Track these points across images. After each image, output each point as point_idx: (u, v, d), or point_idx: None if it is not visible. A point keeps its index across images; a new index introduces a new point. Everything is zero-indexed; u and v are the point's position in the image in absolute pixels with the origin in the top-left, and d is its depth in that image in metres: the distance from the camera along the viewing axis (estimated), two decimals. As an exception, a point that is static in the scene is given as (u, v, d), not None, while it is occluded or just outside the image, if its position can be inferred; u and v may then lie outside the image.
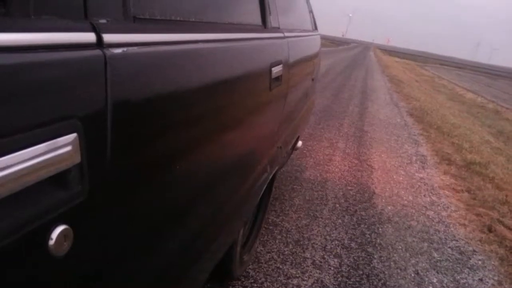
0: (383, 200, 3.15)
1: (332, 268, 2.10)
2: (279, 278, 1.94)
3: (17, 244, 0.41)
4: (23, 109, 0.39)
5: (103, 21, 0.52)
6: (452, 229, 2.90)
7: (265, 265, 2.03)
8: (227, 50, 0.98)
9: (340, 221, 2.67)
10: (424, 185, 3.70)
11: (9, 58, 0.39)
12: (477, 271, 2.46)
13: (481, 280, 2.36)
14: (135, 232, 0.66)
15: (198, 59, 0.80)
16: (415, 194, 3.41)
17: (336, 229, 2.55)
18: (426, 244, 2.59)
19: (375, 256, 2.31)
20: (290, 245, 2.25)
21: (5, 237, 0.39)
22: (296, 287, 1.88)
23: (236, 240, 1.52)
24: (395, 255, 2.38)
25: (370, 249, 2.38)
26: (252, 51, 1.18)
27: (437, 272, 2.33)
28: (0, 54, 0.38)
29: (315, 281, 1.96)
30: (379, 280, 2.08)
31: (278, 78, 1.39)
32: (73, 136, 0.45)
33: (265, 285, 1.87)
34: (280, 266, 2.03)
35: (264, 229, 2.36)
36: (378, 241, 2.51)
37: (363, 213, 2.86)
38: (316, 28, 2.88)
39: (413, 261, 2.36)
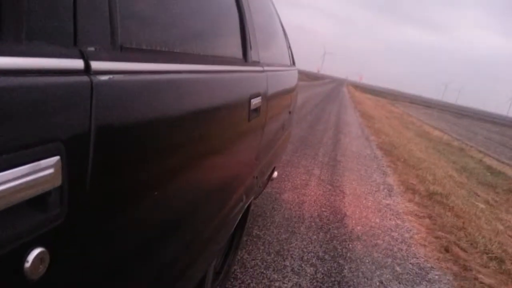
0: (353, 221, 3.40)
1: (308, 275, 2.34)
2: (263, 280, 2.17)
3: None
4: (7, 130, 0.39)
5: (91, 48, 0.52)
6: (413, 248, 3.15)
7: (251, 270, 2.25)
8: (208, 81, 0.98)
9: (315, 237, 2.90)
10: (390, 210, 3.96)
11: None
12: (434, 284, 2.73)
13: (436, 291, 2.69)
14: (110, 257, 0.64)
15: (180, 88, 0.80)
16: (381, 218, 3.67)
17: (312, 243, 2.78)
18: (390, 260, 2.81)
19: (346, 267, 2.54)
20: (272, 255, 2.48)
21: None
22: (278, 288, 2.18)
23: (207, 272, 1.44)
24: (363, 267, 2.60)
25: (341, 261, 2.61)
26: (232, 82, 1.18)
27: (399, 283, 2.52)
28: None
29: (294, 284, 2.20)
30: (349, 286, 2.32)
31: (256, 110, 1.39)
32: (55, 159, 0.44)
33: (251, 285, 2.09)
34: (264, 271, 2.26)
35: (249, 241, 2.58)
36: (348, 255, 2.73)
37: (335, 231, 3.09)
38: (294, 63, 2.94)
39: (378, 273, 2.57)
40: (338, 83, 66.10)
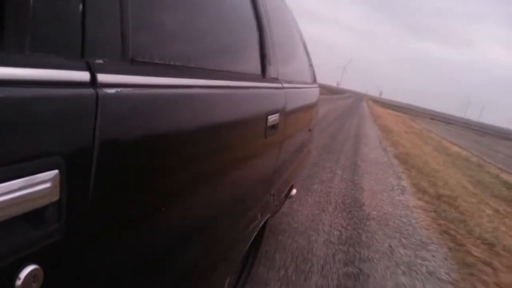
0: (370, 208, 4.00)
1: (336, 236, 3.06)
2: (303, 235, 2.92)
3: None
4: (3, 142, 0.36)
5: (99, 61, 0.49)
6: (418, 230, 3.69)
7: (294, 228, 3.02)
8: (224, 96, 0.92)
9: (340, 214, 3.59)
10: (402, 204, 4.48)
11: None
12: (431, 251, 3.21)
13: (433, 255, 3.39)
14: (110, 278, 0.59)
15: (194, 104, 0.75)
16: (394, 208, 4.22)
17: (337, 218, 3.48)
18: (398, 234, 3.39)
19: (363, 235, 3.19)
20: (309, 221, 3.24)
21: None
22: (314, 241, 2.87)
23: None
24: (376, 236, 3.23)
25: (360, 231, 3.27)
26: (249, 98, 1.12)
27: (404, 248, 3.13)
28: None
29: (325, 240, 2.95)
30: (365, 245, 3.03)
31: (273, 127, 1.31)
32: (53, 173, 0.41)
33: (297, 236, 2.87)
34: (304, 230, 3.03)
35: (290, 213, 3.29)
36: (365, 228, 3.36)
37: (355, 213, 3.73)
38: (315, 81, 2.86)
39: (388, 241, 3.17)
40: (357, 98, 63.98)
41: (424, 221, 4.18)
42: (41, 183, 0.41)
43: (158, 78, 0.64)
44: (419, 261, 3.14)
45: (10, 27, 0.39)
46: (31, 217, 0.41)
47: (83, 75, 0.47)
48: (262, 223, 1.61)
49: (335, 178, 5.07)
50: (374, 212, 4.04)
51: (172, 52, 0.72)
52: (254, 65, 1.26)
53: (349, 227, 3.44)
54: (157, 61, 0.65)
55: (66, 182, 0.44)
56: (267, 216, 1.70)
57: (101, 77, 0.49)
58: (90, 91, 0.47)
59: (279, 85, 1.48)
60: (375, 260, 2.95)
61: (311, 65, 2.76)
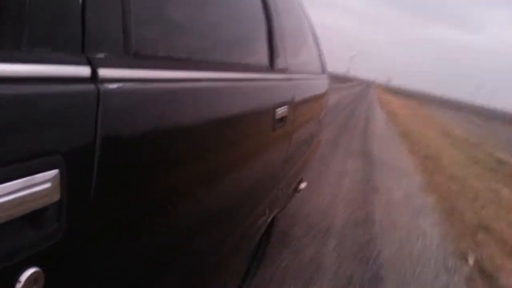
0: (376, 149, 6.90)
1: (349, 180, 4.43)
2: (330, 179, 4.23)
3: None
4: (2, 141, 0.35)
5: (100, 55, 0.47)
6: (404, 158, 6.64)
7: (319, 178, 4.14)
8: (230, 89, 0.90)
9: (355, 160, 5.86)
10: (400, 154, 7.30)
11: None
12: (404, 162, 6.15)
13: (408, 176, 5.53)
14: (111, 278, 0.58)
15: (198, 98, 0.73)
16: (393, 154, 7.06)
17: (355, 148, 6.51)
18: (392, 153, 6.79)
19: (374, 149, 6.66)
20: (331, 180, 4.29)
21: None
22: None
23: None
24: (383, 155, 6.42)
25: (369, 146, 6.88)
26: (256, 91, 1.10)
27: (387, 158, 6.21)
28: None
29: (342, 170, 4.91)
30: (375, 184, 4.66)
31: (282, 119, 1.29)
32: (54, 172, 0.40)
33: (320, 173, 4.19)
34: (323, 169, 4.47)
35: (322, 174, 4.44)
36: (373, 152, 6.54)
37: (365, 153, 6.29)
38: (325, 71, 2.76)
39: (384, 155, 6.43)
40: (366, 85, 67.07)
41: (413, 163, 6.74)
42: (41, 183, 0.39)
43: (162, 72, 0.62)
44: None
45: (8, 22, 0.37)
46: (31, 218, 0.40)
47: (84, 71, 0.45)
48: (271, 218, 1.59)
49: (354, 140, 7.79)
50: (383, 155, 6.93)
51: (176, 44, 0.70)
52: (261, 56, 1.23)
53: (364, 152, 6.74)
54: (161, 54, 0.63)
55: (67, 182, 0.42)
56: (276, 212, 1.68)
57: (102, 72, 0.47)
58: (91, 87, 0.45)
59: (287, 76, 1.44)
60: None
61: (321, 55, 2.69)
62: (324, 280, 2.21)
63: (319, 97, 2.28)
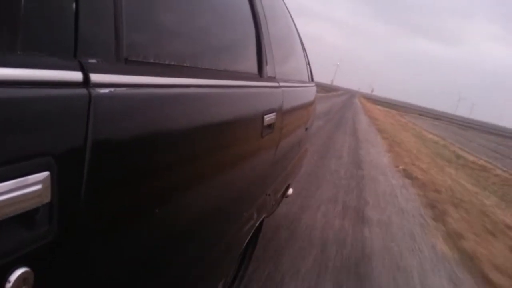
0: (361, 135, 10.87)
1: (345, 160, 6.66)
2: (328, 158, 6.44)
3: None
4: None
5: (93, 60, 0.48)
6: (378, 140, 10.77)
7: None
8: (220, 96, 0.92)
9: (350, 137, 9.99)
10: (376, 139, 10.84)
11: None
12: (373, 133, 11.56)
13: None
14: (101, 279, 0.58)
15: (188, 104, 0.74)
16: (370, 135, 11.39)
17: (347, 132, 10.67)
18: (369, 133, 11.81)
19: (358, 127, 12.93)
20: (328, 139, 8.28)
21: None
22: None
23: None
24: (359, 126, 13.12)
25: (355, 125, 12.61)
26: (245, 98, 1.12)
27: (363, 133, 11.23)
28: None
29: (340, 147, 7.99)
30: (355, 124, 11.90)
31: (270, 126, 1.31)
32: (45, 174, 0.41)
33: (332, 138, 8.46)
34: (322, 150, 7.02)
35: (322, 142, 7.69)
36: (358, 131, 11.62)
37: (354, 135, 10.53)
38: (312, 80, 2.86)
39: (363, 128, 12.32)
40: (351, 95, 69.75)
41: (383, 145, 9.91)
42: (32, 185, 0.40)
43: (152, 78, 0.63)
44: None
45: (1, 26, 0.38)
46: (22, 219, 0.40)
47: (76, 75, 0.46)
48: (258, 223, 1.61)
49: (346, 135, 10.50)
50: (366, 137, 10.72)
51: (167, 51, 0.71)
52: (250, 64, 1.25)
53: (348, 131, 11.21)
54: (151, 61, 0.65)
55: (58, 183, 0.43)
56: (263, 216, 1.70)
57: (94, 77, 0.48)
58: (82, 91, 0.46)
59: (276, 84, 1.46)
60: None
61: (308, 64, 2.75)
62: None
63: (306, 105, 2.33)
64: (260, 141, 1.25)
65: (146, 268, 0.71)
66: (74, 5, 0.46)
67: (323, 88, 61.04)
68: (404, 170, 6.49)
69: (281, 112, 1.47)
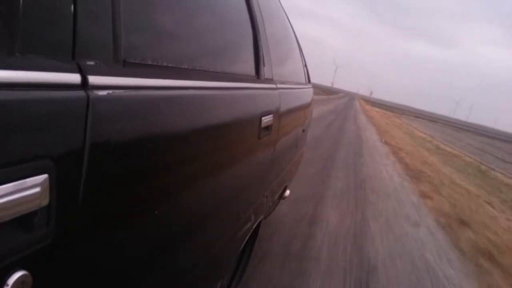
0: (362, 126, 15.58)
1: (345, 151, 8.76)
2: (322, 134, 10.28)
3: None
4: None
5: (91, 62, 0.48)
6: (373, 130, 15.12)
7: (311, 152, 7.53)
8: (217, 98, 0.92)
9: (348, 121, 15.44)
10: (371, 128, 15.92)
11: None
12: (371, 133, 14.05)
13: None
14: (99, 281, 0.58)
15: (186, 105, 0.74)
16: (371, 139, 11.71)
17: (349, 125, 14.58)
18: (368, 131, 14.49)
19: (354, 121, 17.22)
20: (327, 128, 11.35)
21: None
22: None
23: None
24: (356, 123, 16.41)
25: (352, 121, 16.70)
26: (243, 99, 1.12)
27: (362, 131, 13.97)
28: None
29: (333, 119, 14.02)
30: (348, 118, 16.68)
31: (268, 128, 1.31)
32: (43, 177, 0.40)
33: (344, 124, 13.84)
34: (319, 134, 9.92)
35: (323, 128, 11.16)
36: (355, 125, 15.58)
37: (356, 124, 15.74)
38: (309, 81, 2.86)
39: (361, 133, 13.42)
40: (350, 98, 73.82)
41: (384, 147, 10.76)
42: (30, 187, 0.40)
43: (150, 80, 0.62)
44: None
45: None
46: (20, 222, 0.40)
47: (74, 77, 0.45)
48: (256, 224, 1.61)
49: (347, 125, 14.58)
50: (364, 134, 13.01)
51: (165, 53, 0.71)
52: (248, 66, 1.25)
53: (340, 120, 15.74)
54: (150, 63, 0.64)
55: (56, 186, 0.43)
56: (261, 218, 1.70)
57: (92, 79, 0.48)
58: (80, 93, 0.46)
59: (273, 85, 1.46)
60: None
61: (305, 65, 2.74)
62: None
63: (304, 107, 2.30)
64: (258, 143, 1.25)
65: (144, 271, 0.71)
66: (72, 7, 0.46)
67: (324, 91, 64.06)
68: (385, 141, 11.62)
69: (279, 114, 1.47)
